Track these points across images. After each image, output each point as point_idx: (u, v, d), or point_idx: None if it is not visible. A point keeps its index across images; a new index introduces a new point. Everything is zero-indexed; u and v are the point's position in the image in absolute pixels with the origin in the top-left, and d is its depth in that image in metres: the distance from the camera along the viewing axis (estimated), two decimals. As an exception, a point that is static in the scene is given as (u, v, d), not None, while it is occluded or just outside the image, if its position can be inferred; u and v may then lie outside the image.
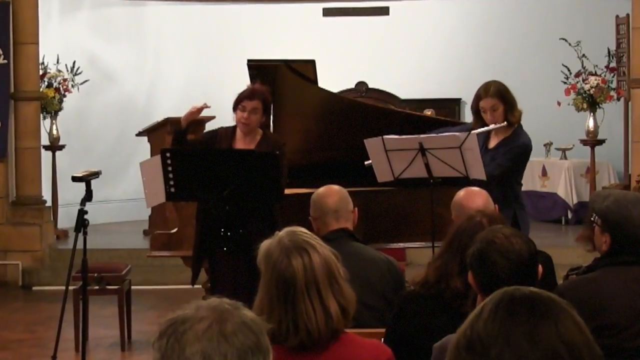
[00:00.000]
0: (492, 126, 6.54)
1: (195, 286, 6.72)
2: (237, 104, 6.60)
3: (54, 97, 11.62)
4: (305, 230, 3.30)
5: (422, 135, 6.63)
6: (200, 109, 6.73)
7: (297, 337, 3.14)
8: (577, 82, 11.45)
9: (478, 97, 6.60)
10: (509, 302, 1.78)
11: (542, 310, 1.76)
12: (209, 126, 9.33)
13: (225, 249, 6.37)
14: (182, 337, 1.85)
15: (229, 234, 6.36)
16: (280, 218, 6.38)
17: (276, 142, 6.65)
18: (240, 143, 6.63)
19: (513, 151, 6.52)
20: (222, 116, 7.88)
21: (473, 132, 6.44)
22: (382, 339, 3.87)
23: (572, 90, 11.47)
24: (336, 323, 3.16)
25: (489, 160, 6.45)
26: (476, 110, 6.63)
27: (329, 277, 3.17)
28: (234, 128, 6.70)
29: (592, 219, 4.04)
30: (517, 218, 6.28)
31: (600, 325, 3.71)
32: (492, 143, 6.61)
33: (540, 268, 3.42)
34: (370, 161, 6.78)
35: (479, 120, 6.62)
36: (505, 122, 6.53)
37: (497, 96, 6.52)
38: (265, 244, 3.23)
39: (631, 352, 3.80)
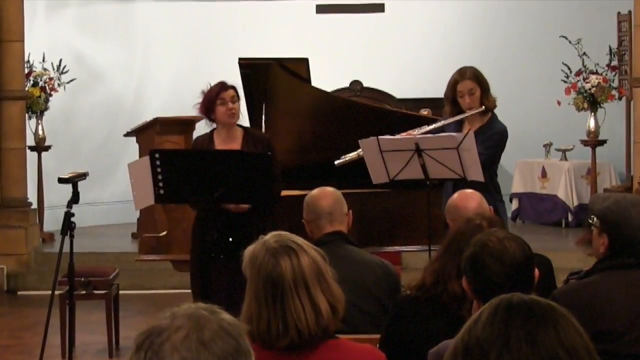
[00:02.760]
0: (469, 112, 6.57)
1: (186, 291, 6.69)
2: (214, 102, 6.48)
3: (39, 97, 11.51)
4: (291, 234, 3.25)
5: (418, 136, 6.62)
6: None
7: (287, 337, 3.12)
8: (578, 81, 11.37)
9: (454, 82, 6.64)
10: (507, 307, 1.78)
11: (541, 315, 1.77)
12: (199, 126, 9.33)
13: (221, 256, 6.27)
14: (159, 349, 1.81)
15: (230, 239, 6.27)
16: (280, 219, 6.35)
17: (262, 139, 6.59)
18: (221, 146, 6.52)
19: (493, 138, 6.58)
20: (212, 115, 7.74)
21: (470, 131, 6.40)
22: (378, 345, 3.83)
23: (572, 90, 11.40)
24: (326, 321, 3.15)
25: None
26: (452, 97, 6.65)
27: (318, 275, 3.14)
28: (210, 134, 6.61)
29: (590, 220, 4.02)
30: (498, 211, 6.20)
31: (598, 330, 3.66)
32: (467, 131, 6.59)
33: (536, 272, 3.36)
34: (340, 160, 6.88)
35: (455, 108, 6.65)
36: (483, 107, 6.56)
37: (474, 79, 6.59)
38: (249, 249, 3.21)
39: (630, 358, 3.74)
